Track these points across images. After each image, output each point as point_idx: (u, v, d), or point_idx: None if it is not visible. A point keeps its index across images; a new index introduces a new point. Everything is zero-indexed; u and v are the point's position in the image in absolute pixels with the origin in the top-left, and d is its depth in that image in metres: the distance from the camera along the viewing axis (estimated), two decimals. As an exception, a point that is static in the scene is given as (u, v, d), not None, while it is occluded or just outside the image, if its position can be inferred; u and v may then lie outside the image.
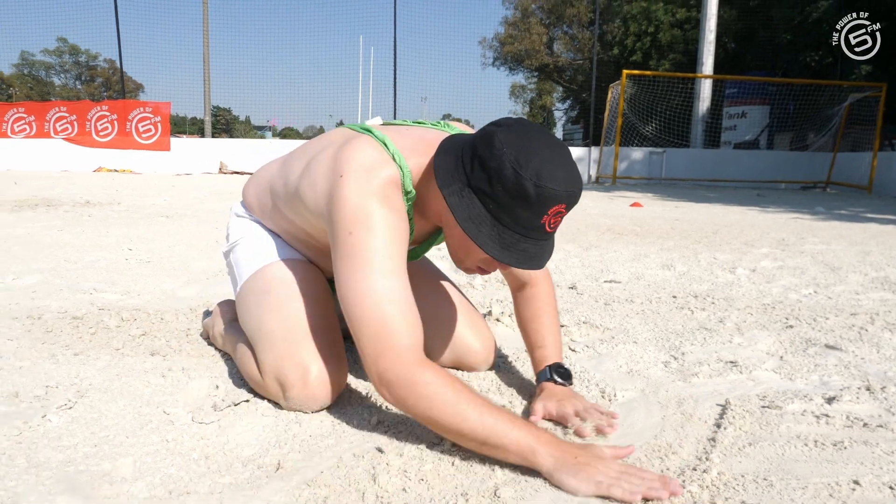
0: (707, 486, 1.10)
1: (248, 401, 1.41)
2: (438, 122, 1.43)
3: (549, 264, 3.53)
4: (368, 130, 1.33)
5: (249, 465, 1.15)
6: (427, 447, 1.22)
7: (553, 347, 1.52)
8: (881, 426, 1.38)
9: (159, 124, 13.74)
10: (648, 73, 15.97)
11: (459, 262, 1.31)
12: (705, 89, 15.54)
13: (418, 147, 1.30)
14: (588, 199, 8.95)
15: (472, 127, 1.50)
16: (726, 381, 1.69)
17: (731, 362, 1.82)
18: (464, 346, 1.64)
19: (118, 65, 15.20)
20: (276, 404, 1.40)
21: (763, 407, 1.49)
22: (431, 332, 1.64)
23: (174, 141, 14.03)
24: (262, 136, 22.44)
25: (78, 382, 1.48)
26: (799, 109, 14.47)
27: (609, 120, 14.04)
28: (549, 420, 1.37)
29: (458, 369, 1.67)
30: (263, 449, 1.21)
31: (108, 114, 13.65)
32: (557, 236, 4.81)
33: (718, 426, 1.38)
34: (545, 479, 1.08)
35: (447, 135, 1.35)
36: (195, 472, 1.13)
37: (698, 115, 15.60)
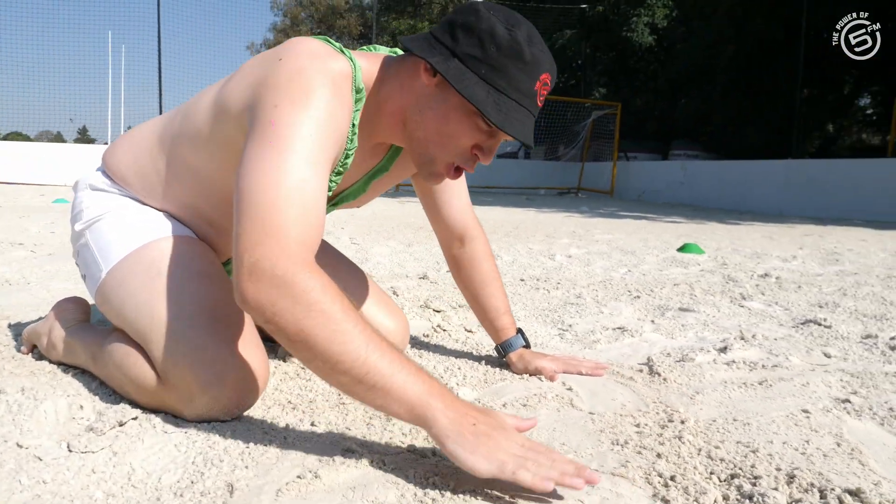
0: (696, 434, 1.09)
1: (135, 418, 1.07)
2: (362, 48, 1.25)
3: (375, 258, 3.43)
4: None
5: (187, 494, 0.86)
6: (399, 434, 1.03)
7: (510, 313, 1.49)
8: (776, 366, 1.52)
9: None
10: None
11: (430, 160, 1.10)
12: (472, 103, 16.65)
13: (365, 54, 1.13)
14: (381, 203, 8.98)
15: None
16: (626, 345, 1.74)
17: (620, 328, 1.89)
18: (378, 327, 1.46)
19: None
20: (173, 417, 1.09)
21: (678, 361, 1.55)
22: None
23: None
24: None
25: None
26: (550, 125, 16.24)
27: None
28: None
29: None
30: (193, 472, 0.91)
31: None
32: (370, 232, 4.70)
33: (655, 381, 1.40)
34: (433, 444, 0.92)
35: (378, 52, 1.20)
36: (109, 514, 0.81)
37: (467, 127, 16.67)
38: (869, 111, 16.27)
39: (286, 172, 0.93)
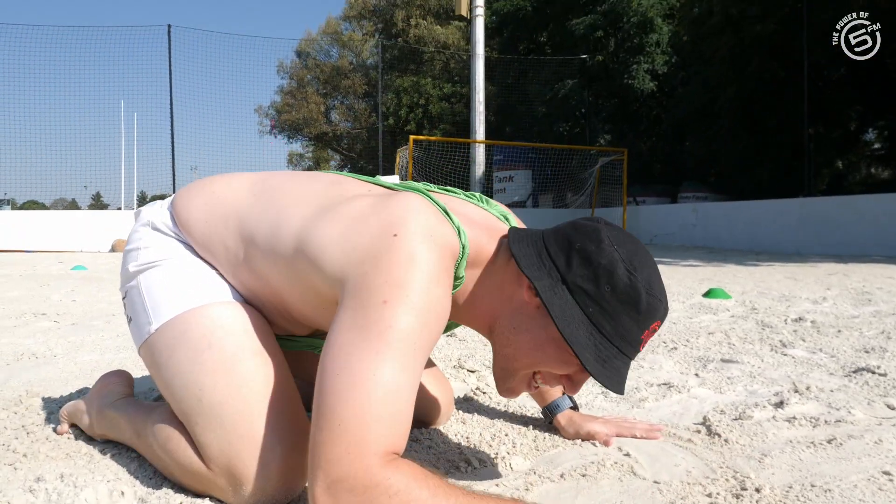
0: (774, 503, 1.02)
1: (181, 504, 1.02)
2: (473, 195, 1.17)
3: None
4: (411, 189, 1.05)
5: (243, 591, 0.80)
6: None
7: None
8: (839, 421, 1.45)
9: None
10: (433, 138, 16.95)
11: (508, 377, 1.04)
12: (479, 154, 16.86)
13: (471, 227, 1.03)
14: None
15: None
16: (675, 402, 1.67)
17: (666, 384, 1.82)
18: (425, 399, 1.41)
19: None
20: (219, 501, 1.03)
21: (735, 419, 1.48)
22: None
23: None
24: (-2, 209, 19.02)
25: None
26: (556, 173, 16.38)
27: (398, 183, 14.48)
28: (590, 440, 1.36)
29: (418, 426, 1.42)
30: (247, 565, 0.86)
31: None
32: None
33: (716, 443, 1.33)
34: None
35: (491, 215, 1.13)
36: None
37: (475, 178, 16.85)
38: (876, 146, 16.33)
39: (379, 381, 0.84)
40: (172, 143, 13.60)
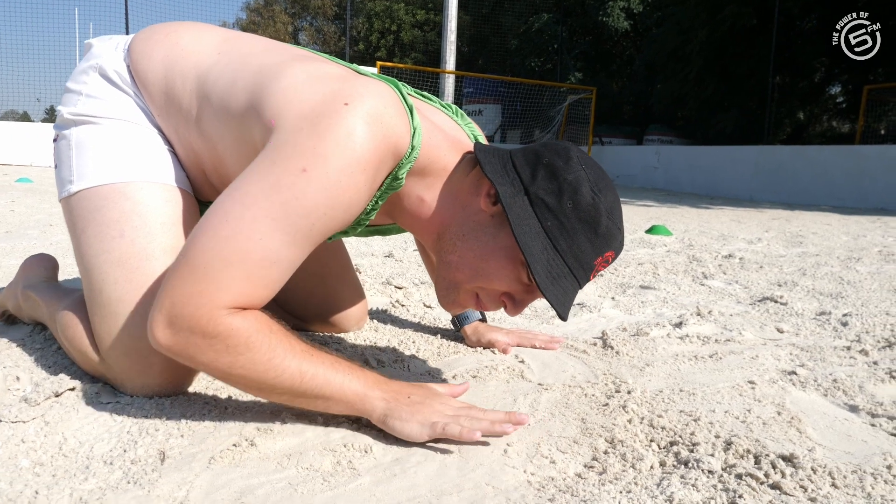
0: (641, 404, 1.09)
1: (73, 388, 1.05)
2: (449, 106, 1.14)
3: (350, 238, 3.40)
4: (386, 80, 0.97)
5: (117, 462, 0.84)
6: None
7: None
8: (728, 340, 1.54)
9: None
10: (401, 65, 16.51)
11: (454, 287, 0.99)
12: (449, 86, 16.53)
13: (434, 133, 0.98)
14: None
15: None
16: (584, 321, 1.75)
17: (579, 304, 1.90)
18: (338, 308, 1.45)
19: None
20: (113, 387, 1.06)
21: (633, 335, 1.56)
22: (308, 286, 1.43)
23: None
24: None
25: None
26: (526, 108, 16.22)
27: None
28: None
29: (330, 331, 1.47)
30: (127, 441, 0.89)
31: None
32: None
33: (607, 354, 1.40)
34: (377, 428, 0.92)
35: (461, 129, 1.10)
36: (36, 483, 0.78)
37: (444, 110, 16.59)
38: (839, 99, 16.53)
39: (263, 247, 0.85)
40: (128, 56, 12.97)
